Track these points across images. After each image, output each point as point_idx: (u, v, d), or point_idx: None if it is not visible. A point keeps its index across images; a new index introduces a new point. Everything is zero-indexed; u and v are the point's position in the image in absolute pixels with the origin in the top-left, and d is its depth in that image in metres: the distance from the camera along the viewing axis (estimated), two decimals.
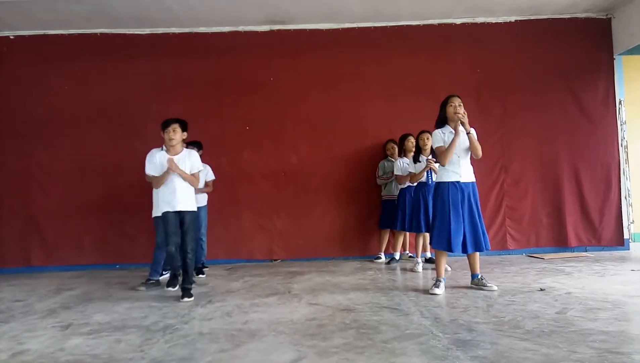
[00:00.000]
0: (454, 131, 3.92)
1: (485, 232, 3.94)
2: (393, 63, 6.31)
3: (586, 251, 6.26)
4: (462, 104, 3.96)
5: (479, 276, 4.04)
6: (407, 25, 6.37)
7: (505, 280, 4.36)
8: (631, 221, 6.93)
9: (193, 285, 4.10)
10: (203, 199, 5.28)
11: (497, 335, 2.67)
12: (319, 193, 6.25)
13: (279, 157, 6.28)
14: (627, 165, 7.02)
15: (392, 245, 5.90)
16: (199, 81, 6.22)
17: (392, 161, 5.79)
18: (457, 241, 3.81)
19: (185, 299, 3.88)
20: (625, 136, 6.97)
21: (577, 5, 6.14)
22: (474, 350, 2.41)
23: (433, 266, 4.98)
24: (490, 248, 4.02)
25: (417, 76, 6.25)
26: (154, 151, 4.18)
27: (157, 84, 6.18)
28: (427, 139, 5.11)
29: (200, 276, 5.14)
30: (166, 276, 4.92)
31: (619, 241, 6.26)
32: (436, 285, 3.90)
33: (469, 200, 3.88)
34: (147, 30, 6.27)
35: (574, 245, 6.25)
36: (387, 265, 5.60)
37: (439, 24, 6.39)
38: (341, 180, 6.26)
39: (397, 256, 5.70)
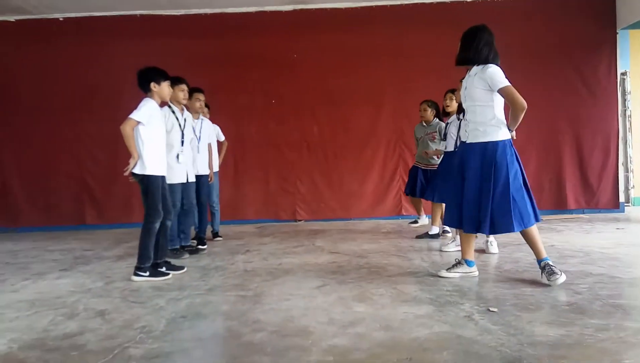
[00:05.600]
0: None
1: (497, 210, 3.00)
2: (407, 39, 6.81)
3: (584, 213, 6.82)
4: None
5: (543, 262, 3.02)
6: (421, 4, 6.84)
7: (501, 236, 4.96)
8: (632, 186, 7.46)
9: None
10: (216, 164, 5.21)
11: (478, 270, 3.33)
12: (337, 160, 6.93)
13: (301, 128, 6.94)
14: (630, 133, 7.48)
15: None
16: (229, 58, 6.83)
17: (424, 126, 5.26)
18: (451, 213, 3.24)
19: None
20: (629, 106, 7.40)
21: None
22: (457, 280, 3.11)
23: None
24: (519, 229, 3.01)
25: (429, 51, 6.72)
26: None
27: (191, 60, 6.72)
28: (450, 99, 4.71)
29: (218, 238, 5.29)
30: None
31: (615, 205, 6.81)
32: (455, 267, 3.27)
33: (475, 166, 3.06)
34: (182, 12, 6.87)
35: (573, 208, 6.83)
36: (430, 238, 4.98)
37: (451, 2, 6.83)
38: (358, 148, 6.92)
39: (433, 230, 5.00)
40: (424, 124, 5.27)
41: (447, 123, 4.78)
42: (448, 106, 4.75)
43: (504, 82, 3.00)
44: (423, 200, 5.40)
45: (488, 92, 3.05)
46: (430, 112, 5.18)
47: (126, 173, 3.40)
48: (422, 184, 5.19)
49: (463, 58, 3.14)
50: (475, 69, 3.10)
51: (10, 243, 5.65)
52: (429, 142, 5.18)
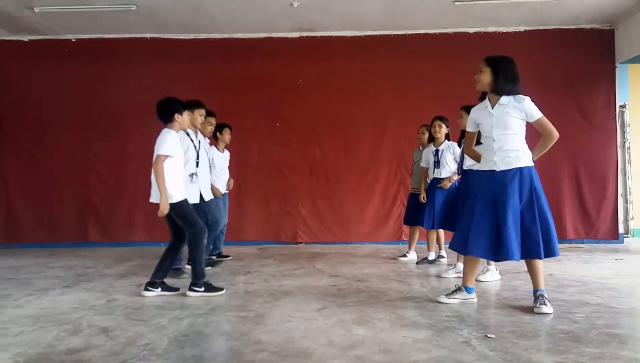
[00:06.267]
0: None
1: (544, 235, 3.10)
2: (411, 67, 6.97)
3: (583, 243, 6.86)
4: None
5: (538, 293, 3.12)
6: (424, 34, 7.01)
7: (499, 264, 5.01)
8: (631, 217, 7.51)
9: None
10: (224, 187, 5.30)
11: (477, 297, 3.36)
12: (339, 184, 7.01)
13: (304, 151, 7.05)
14: (629, 165, 7.58)
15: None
16: (235, 82, 6.99)
17: (420, 150, 5.37)
18: (478, 242, 3.08)
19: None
20: (628, 138, 7.52)
21: (581, 17, 6.68)
22: (456, 306, 3.15)
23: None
24: (556, 254, 3.18)
25: (432, 79, 6.89)
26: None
27: (198, 83, 6.88)
28: (439, 126, 4.88)
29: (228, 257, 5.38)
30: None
31: (614, 236, 6.85)
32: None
33: (514, 192, 3.06)
34: (191, 36, 7.06)
35: (572, 238, 6.87)
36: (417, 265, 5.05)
37: (454, 33, 7.01)
38: (360, 173, 7.00)
39: (430, 256, 5.04)
40: (421, 148, 5.38)
41: (439, 150, 4.87)
42: (438, 133, 4.87)
43: (540, 113, 3.15)
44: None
45: (522, 121, 3.17)
46: (427, 136, 5.25)
47: (161, 215, 3.47)
48: (415, 210, 5.18)
49: (503, 88, 3.17)
50: (506, 98, 3.17)
51: (12, 259, 5.69)
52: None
